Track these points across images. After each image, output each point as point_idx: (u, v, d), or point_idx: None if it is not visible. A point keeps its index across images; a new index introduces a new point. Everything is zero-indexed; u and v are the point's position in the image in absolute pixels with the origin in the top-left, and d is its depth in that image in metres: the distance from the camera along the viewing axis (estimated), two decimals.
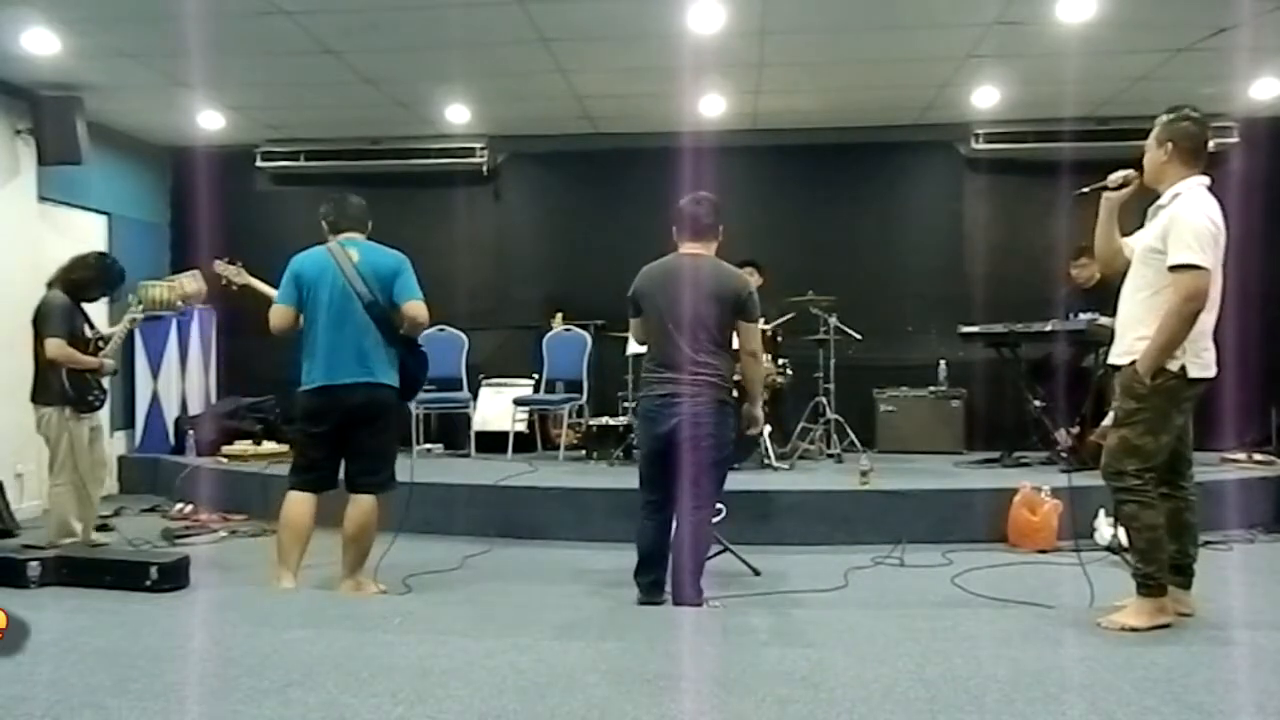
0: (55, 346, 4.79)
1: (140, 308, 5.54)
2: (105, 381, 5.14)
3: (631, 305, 3.99)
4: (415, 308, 4.02)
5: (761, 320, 6.43)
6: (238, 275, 5.06)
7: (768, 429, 6.29)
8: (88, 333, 5.02)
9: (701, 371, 3.74)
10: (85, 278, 5.05)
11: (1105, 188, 3.56)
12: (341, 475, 4.14)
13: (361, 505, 4.03)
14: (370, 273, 4.02)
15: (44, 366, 4.87)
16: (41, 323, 4.87)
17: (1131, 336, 3.38)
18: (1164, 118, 3.44)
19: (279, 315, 4.10)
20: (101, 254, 5.36)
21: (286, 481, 4.15)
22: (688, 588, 3.69)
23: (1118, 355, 3.46)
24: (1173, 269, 3.21)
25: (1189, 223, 3.21)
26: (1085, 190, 3.66)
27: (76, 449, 4.93)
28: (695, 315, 3.76)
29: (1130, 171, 3.50)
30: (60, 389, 4.84)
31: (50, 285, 5.02)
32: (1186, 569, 3.51)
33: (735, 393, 3.92)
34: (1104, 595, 4.04)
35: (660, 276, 3.91)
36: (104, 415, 5.41)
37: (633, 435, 5.71)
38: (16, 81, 6.44)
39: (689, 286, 3.79)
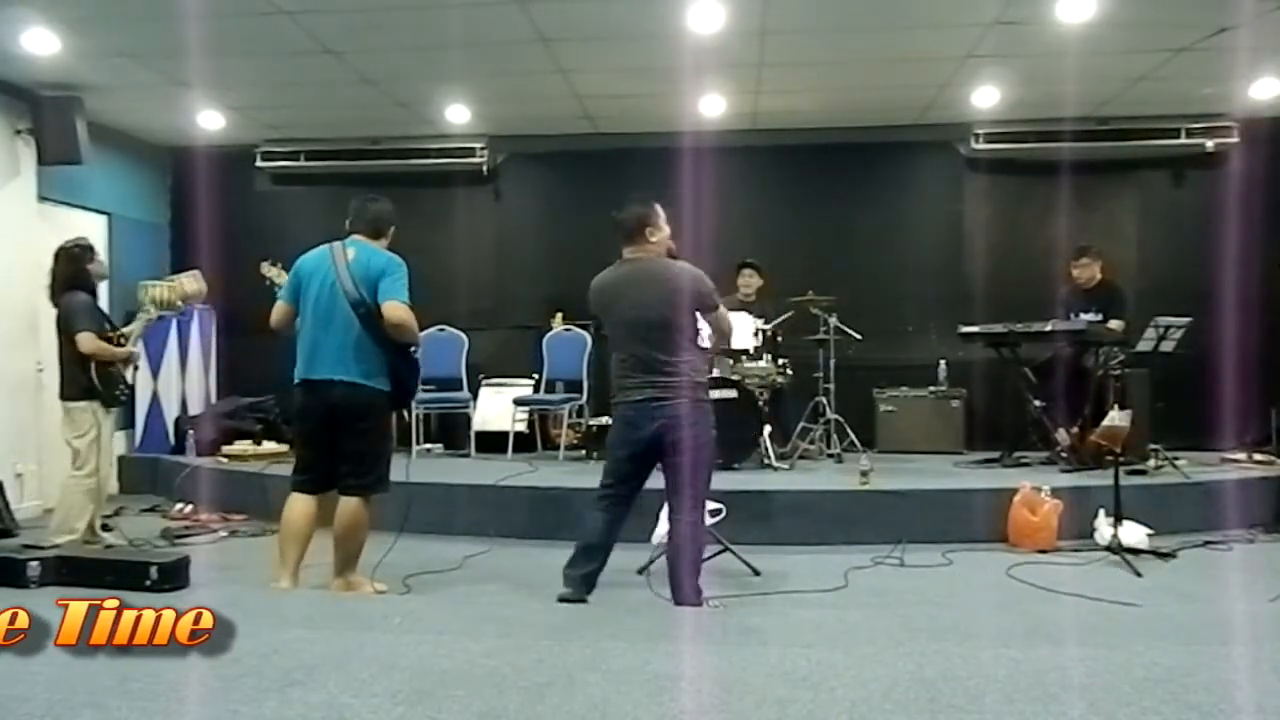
0: (88, 340, 4.83)
1: (155, 309, 5.57)
2: (128, 376, 5.19)
3: (594, 322, 3.99)
4: (392, 308, 3.92)
5: (761, 320, 6.49)
6: (279, 276, 4.98)
7: (768, 429, 6.30)
8: (108, 330, 5.05)
9: (676, 373, 3.74)
10: (85, 267, 5.01)
11: None
12: None
13: (348, 506, 4.03)
14: (360, 273, 3.98)
15: (72, 363, 4.90)
16: (69, 320, 4.89)
17: None
18: None
19: (276, 311, 4.16)
20: (65, 246, 5.11)
21: (289, 483, 4.18)
22: (687, 588, 3.69)
23: None
24: None
25: None
26: None
27: (101, 444, 4.96)
28: (659, 318, 3.76)
29: None
30: (90, 384, 4.88)
31: (59, 295, 4.96)
32: None
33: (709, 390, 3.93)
34: (1105, 594, 4.06)
35: (613, 286, 3.92)
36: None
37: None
38: (16, 81, 6.44)
39: (644, 289, 3.80)
